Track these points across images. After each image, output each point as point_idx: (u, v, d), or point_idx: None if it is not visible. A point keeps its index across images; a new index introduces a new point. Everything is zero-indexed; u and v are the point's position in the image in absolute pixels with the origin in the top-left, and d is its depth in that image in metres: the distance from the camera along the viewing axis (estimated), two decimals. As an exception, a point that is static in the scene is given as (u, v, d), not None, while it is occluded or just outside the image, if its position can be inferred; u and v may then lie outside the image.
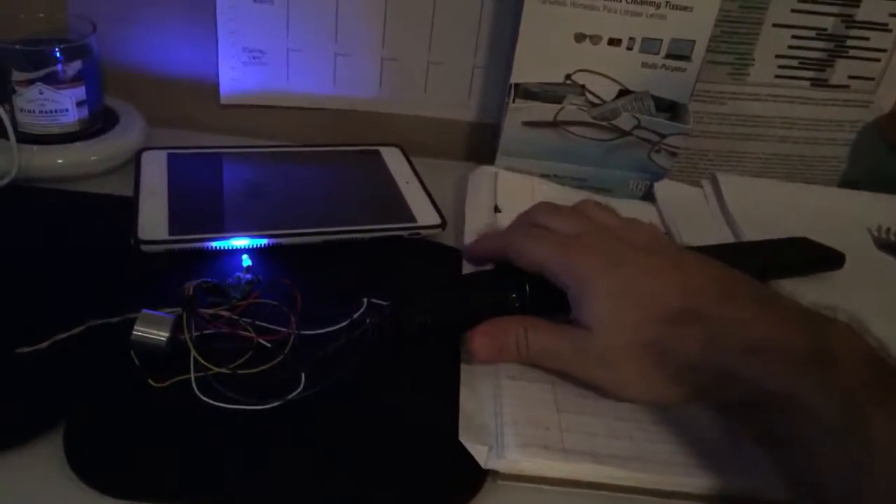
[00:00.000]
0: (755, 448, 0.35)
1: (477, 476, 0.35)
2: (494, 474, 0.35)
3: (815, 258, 0.52)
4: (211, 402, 0.36)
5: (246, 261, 0.46)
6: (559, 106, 0.58)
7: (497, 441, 0.36)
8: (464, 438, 0.36)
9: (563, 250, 0.40)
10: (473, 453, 0.35)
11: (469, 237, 0.52)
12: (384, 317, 0.41)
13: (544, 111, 0.59)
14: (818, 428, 0.30)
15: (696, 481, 0.35)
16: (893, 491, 0.28)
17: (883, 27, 0.62)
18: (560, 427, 0.37)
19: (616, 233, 0.41)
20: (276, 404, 0.37)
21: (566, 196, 0.58)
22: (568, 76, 0.59)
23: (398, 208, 0.54)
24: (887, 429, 0.29)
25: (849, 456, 0.29)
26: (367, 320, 0.41)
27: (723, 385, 0.34)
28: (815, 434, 0.30)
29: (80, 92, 0.54)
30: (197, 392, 0.37)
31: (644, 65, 0.59)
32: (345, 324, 0.41)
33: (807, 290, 0.49)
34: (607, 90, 0.60)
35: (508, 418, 0.37)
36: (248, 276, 0.44)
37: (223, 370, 0.38)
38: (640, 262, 0.38)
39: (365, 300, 0.42)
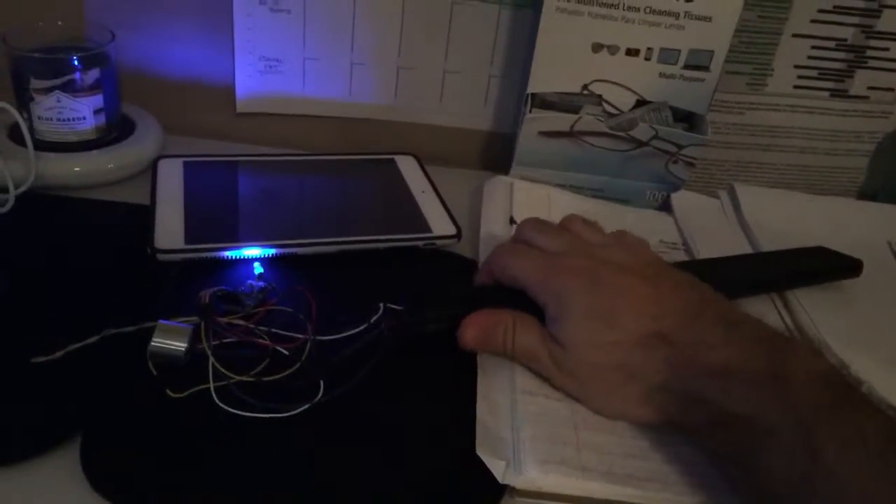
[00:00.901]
0: (713, 469, 0.36)
1: (494, 491, 0.35)
2: (512, 490, 0.35)
3: (833, 266, 0.52)
4: (231, 410, 0.36)
5: (258, 269, 0.46)
6: (576, 116, 0.58)
7: (514, 456, 0.35)
8: (481, 451, 0.36)
9: (543, 270, 0.41)
10: (490, 467, 0.35)
11: (484, 248, 0.51)
12: (400, 321, 0.41)
13: (561, 121, 0.58)
14: (774, 447, 0.31)
15: (712, 502, 0.35)
16: None
17: (903, 38, 0.62)
18: (578, 445, 0.37)
19: (598, 251, 0.42)
20: (297, 411, 0.37)
21: (582, 206, 0.58)
22: (585, 86, 0.59)
23: (413, 218, 0.54)
24: (833, 445, 0.30)
25: (799, 473, 0.30)
26: (383, 324, 0.41)
27: (688, 407, 0.36)
28: (772, 453, 0.31)
29: (97, 100, 0.54)
30: (217, 401, 0.36)
31: (662, 75, 0.58)
32: (361, 328, 0.41)
33: (824, 305, 0.49)
34: (624, 100, 0.59)
35: (526, 433, 0.37)
36: (261, 283, 0.44)
37: (245, 378, 0.38)
38: (617, 284, 0.39)
39: (381, 305, 0.42)
